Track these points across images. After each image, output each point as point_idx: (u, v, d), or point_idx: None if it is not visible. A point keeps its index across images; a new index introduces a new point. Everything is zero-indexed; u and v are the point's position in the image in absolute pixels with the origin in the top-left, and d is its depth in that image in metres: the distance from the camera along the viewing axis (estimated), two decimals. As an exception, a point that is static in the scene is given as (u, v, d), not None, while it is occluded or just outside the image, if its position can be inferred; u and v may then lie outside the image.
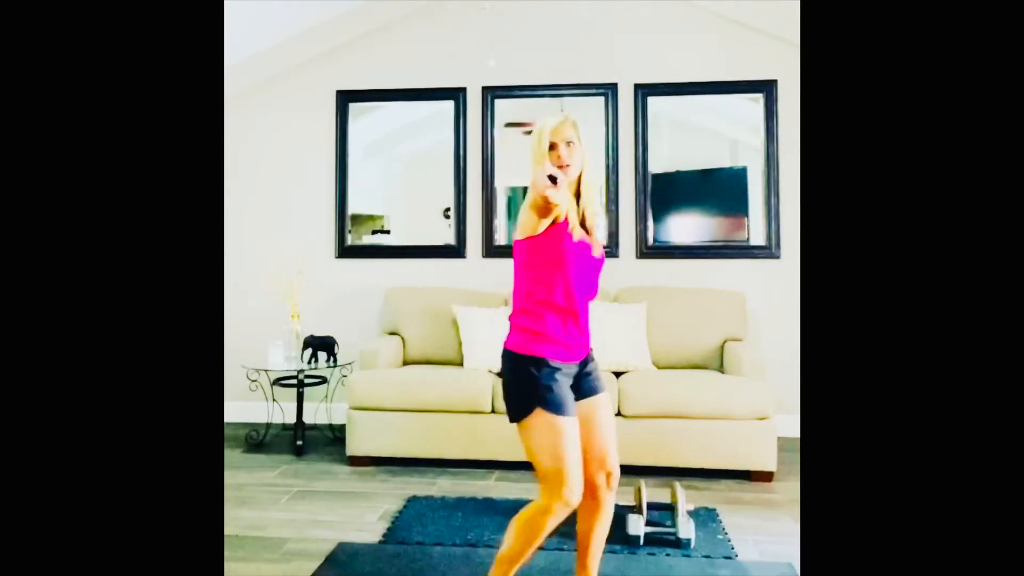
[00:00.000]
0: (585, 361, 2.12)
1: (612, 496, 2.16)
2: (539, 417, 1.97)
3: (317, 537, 2.88)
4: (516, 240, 2.06)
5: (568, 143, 1.98)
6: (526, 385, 2.00)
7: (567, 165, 1.96)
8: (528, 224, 1.99)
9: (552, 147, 1.98)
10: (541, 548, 2.70)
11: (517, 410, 2.03)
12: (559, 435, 1.96)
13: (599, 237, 2.12)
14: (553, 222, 1.97)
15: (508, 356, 2.06)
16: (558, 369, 2.01)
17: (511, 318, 2.10)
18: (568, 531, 2.90)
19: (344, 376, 4.39)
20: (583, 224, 2.06)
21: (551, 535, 2.09)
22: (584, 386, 2.11)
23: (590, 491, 2.09)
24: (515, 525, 2.06)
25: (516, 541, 2.05)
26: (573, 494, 1.98)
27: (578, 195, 2.03)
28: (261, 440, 4.22)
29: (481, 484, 3.53)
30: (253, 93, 4.84)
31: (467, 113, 4.64)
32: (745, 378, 3.68)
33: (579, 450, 2.01)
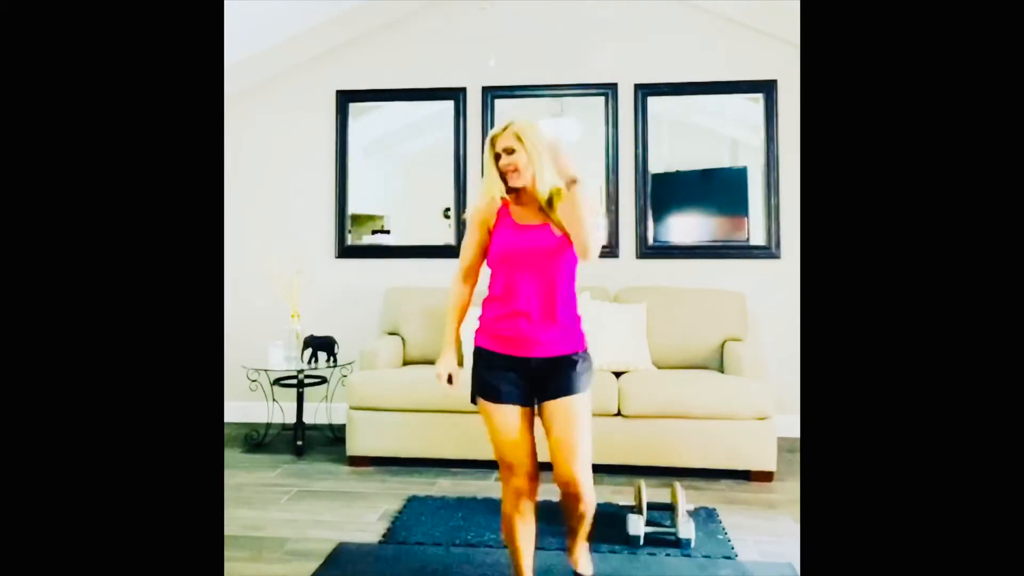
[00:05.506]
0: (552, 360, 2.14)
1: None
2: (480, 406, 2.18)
3: (317, 537, 2.88)
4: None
5: (508, 151, 2.06)
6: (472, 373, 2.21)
7: (513, 170, 2.06)
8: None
9: (497, 157, 2.08)
10: (540, 548, 2.71)
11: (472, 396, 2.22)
12: (490, 421, 2.17)
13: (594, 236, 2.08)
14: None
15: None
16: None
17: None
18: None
19: (344, 376, 4.39)
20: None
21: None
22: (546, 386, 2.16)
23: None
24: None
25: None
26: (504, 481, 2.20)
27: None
28: (261, 440, 4.22)
29: (481, 484, 3.53)
30: (253, 93, 4.84)
31: (467, 113, 4.64)
32: (745, 378, 3.68)
33: (518, 438, 2.17)
